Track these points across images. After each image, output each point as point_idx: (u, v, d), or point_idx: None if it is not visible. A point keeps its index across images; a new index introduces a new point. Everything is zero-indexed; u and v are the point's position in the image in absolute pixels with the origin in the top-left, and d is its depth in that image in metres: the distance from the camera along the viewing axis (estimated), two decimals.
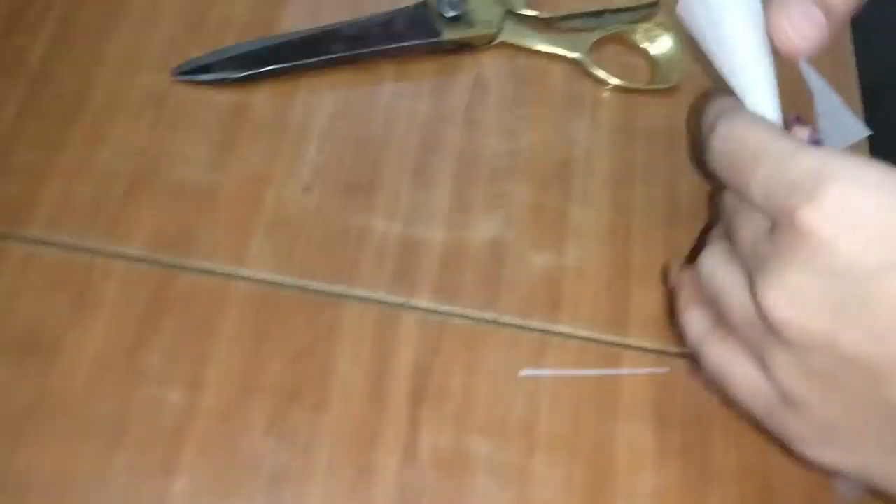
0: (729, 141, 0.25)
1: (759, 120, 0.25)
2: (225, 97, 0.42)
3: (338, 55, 0.42)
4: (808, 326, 0.22)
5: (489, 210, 0.40)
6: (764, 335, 0.24)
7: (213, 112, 0.41)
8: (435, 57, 0.44)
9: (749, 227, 0.24)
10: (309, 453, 0.34)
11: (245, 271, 0.37)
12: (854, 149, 0.42)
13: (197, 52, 0.42)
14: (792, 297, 0.22)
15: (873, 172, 0.21)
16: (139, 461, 0.33)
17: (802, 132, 0.26)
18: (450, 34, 0.43)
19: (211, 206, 0.39)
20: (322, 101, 0.42)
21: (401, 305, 0.37)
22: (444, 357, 0.36)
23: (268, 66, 0.42)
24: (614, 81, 0.43)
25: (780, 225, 0.23)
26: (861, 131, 0.42)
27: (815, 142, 0.26)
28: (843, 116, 0.43)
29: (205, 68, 0.42)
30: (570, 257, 0.39)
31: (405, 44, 0.43)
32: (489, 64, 0.44)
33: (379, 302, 0.37)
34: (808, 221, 0.21)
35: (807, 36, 0.25)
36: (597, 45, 0.45)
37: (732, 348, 0.26)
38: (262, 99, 0.42)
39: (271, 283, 0.37)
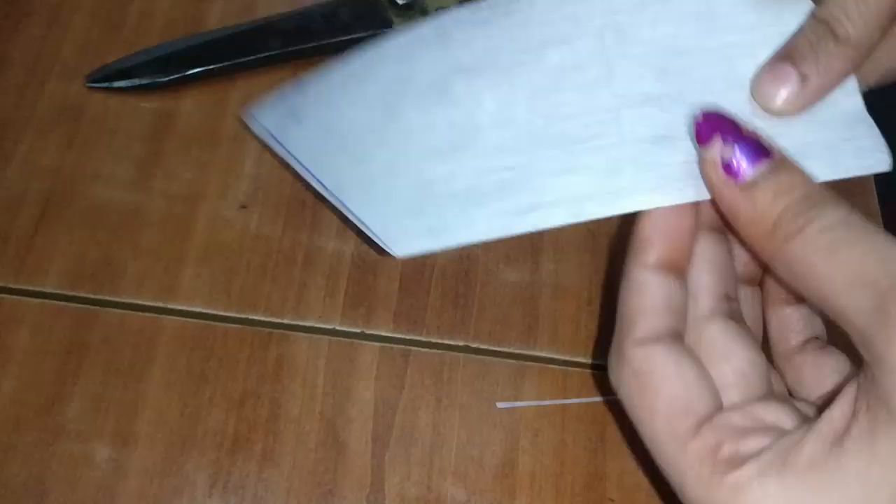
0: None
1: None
2: (148, 105, 0.37)
3: (275, 52, 0.37)
4: None
5: None
6: None
7: (134, 123, 0.36)
8: None
9: None
10: None
11: (177, 305, 0.33)
12: None
13: (114, 54, 0.37)
14: None
15: None
16: None
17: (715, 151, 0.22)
18: (402, 24, 0.39)
19: (135, 231, 0.34)
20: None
21: (357, 335, 0.33)
22: (409, 392, 0.32)
23: (196, 67, 0.37)
24: None
25: None
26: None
27: (732, 167, 0.21)
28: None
29: (124, 73, 0.37)
30: (546, 272, 0.34)
31: (352, 36, 0.38)
32: None
33: (332, 332, 0.33)
34: None
35: (788, 96, 0.23)
36: None
37: None
38: (190, 105, 0.37)
39: (207, 317, 0.33)
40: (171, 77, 0.37)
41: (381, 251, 0.26)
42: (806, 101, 0.23)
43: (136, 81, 0.37)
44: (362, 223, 0.26)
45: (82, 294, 0.33)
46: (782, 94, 0.23)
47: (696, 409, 0.21)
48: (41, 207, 0.34)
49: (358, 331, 0.33)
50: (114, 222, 0.34)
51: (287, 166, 0.36)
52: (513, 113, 0.25)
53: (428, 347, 0.33)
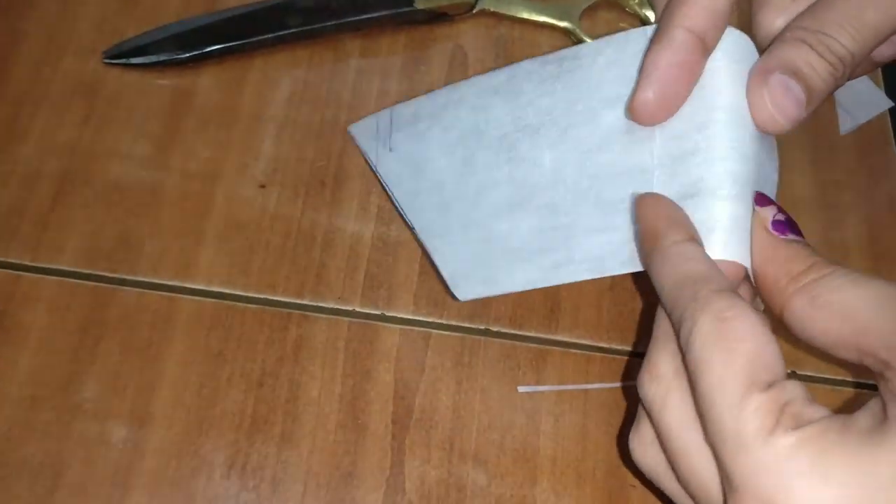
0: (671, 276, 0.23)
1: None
2: (165, 82, 0.36)
3: (294, 30, 0.37)
4: None
5: None
6: None
7: (151, 100, 0.36)
8: (406, 29, 0.39)
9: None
10: (278, 493, 0.29)
11: (195, 284, 0.32)
12: (877, 121, 0.38)
13: (131, 31, 0.37)
14: None
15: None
16: None
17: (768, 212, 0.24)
18: (423, 2, 0.38)
19: (153, 209, 0.34)
20: (277, 83, 0.37)
21: (377, 317, 0.32)
22: (429, 375, 0.31)
23: (214, 44, 0.36)
24: None
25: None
26: (883, 102, 0.38)
27: (781, 224, 0.24)
28: (862, 87, 0.38)
29: (141, 50, 0.36)
30: None
31: (372, 15, 0.38)
32: (468, 35, 0.39)
33: (352, 314, 0.32)
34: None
35: (788, 114, 0.24)
36: (588, 12, 0.40)
37: None
38: (207, 83, 0.37)
39: (226, 297, 0.32)
40: (189, 54, 0.36)
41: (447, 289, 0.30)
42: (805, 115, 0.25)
43: (154, 58, 0.36)
44: (437, 265, 0.30)
45: (99, 272, 0.32)
46: (790, 113, 0.24)
47: (774, 366, 0.21)
48: (57, 184, 0.34)
49: (378, 312, 0.32)
50: (131, 200, 0.34)
51: (305, 145, 0.36)
52: (565, 173, 0.27)
53: (448, 330, 0.32)
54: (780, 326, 0.23)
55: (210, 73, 0.37)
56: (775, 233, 0.24)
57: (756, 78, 0.25)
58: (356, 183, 0.35)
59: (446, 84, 0.37)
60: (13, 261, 0.32)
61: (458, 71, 0.38)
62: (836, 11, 0.24)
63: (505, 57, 0.38)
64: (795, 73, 0.24)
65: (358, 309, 0.32)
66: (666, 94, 0.24)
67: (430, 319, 0.32)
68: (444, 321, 0.32)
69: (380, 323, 0.32)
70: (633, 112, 0.25)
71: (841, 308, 0.21)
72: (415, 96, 0.37)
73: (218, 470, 0.29)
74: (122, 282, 0.32)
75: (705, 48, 0.25)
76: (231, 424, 0.30)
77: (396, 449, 0.30)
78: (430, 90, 0.37)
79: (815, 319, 0.22)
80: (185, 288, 0.32)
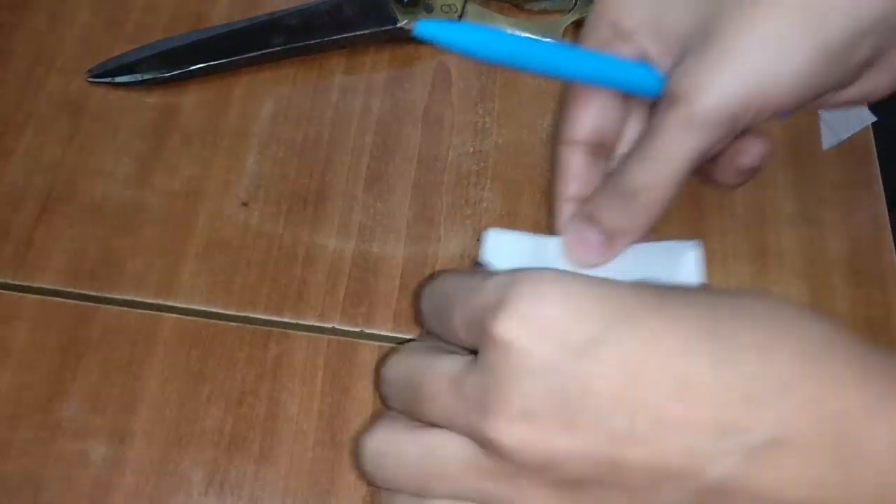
0: (431, 296, 0.25)
1: (456, 271, 0.27)
2: (150, 101, 0.37)
3: (279, 48, 0.37)
4: (549, 442, 0.20)
5: (455, 221, 0.35)
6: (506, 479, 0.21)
7: (136, 118, 0.36)
8: (390, 46, 0.39)
9: (443, 374, 0.22)
10: None
11: (176, 302, 0.33)
12: (860, 136, 0.38)
13: (117, 49, 0.37)
14: (522, 412, 0.20)
15: (548, 273, 0.21)
16: None
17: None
18: (407, 20, 0.38)
19: (135, 227, 0.34)
20: (262, 101, 0.37)
21: (357, 334, 0.33)
22: None
23: (198, 63, 0.37)
24: None
25: (481, 349, 0.21)
26: (866, 117, 0.38)
27: None
28: None
29: (126, 68, 0.37)
30: None
31: (356, 32, 0.38)
32: (452, 53, 0.39)
33: (331, 331, 0.32)
34: (502, 331, 0.20)
35: (591, 257, 0.28)
36: (571, 29, 0.40)
37: None
38: (192, 101, 0.37)
39: (207, 315, 0.32)
40: (174, 72, 0.36)
41: None
42: (615, 252, 0.28)
43: (139, 76, 0.36)
44: None
45: (81, 290, 0.33)
46: (591, 258, 0.28)
47: None
48: (41, 203, 0.34)
49: (358, 330, 0.33)
50: (114, 218, 0.34)
51: (288, 162, 0.36)
52: None
53: None
54: None
55: (195, 91, 0.37)
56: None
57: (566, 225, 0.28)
58: (338, 201, 0.35)
59: (429, 100, 0.38)
60: None
61: (442, 88, 0.38)
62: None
63: (488, 74, 0.39)
64: (591, 219, 0.27)
65: (338, 326, 0.33)
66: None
67: (409, 336, 0.33)
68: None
69: (359, 340, 0.32)
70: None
71: None
72: (398, 115, 0.37)
73: (196, 487, 0.29)
74: (104, 300, 0.32)
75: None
76: (210, 442, 0.30)
77: None
78: (412, 109, 0.37)
79: None
80: (167, 306, 0.32)
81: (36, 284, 0.32)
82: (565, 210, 0.29)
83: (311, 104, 0.37)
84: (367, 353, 0.32)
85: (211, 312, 0.32)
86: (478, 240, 0.35)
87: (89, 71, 0.37)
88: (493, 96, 0.38)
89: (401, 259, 0.34)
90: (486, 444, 0.21)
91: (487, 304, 0.21)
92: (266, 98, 0.37)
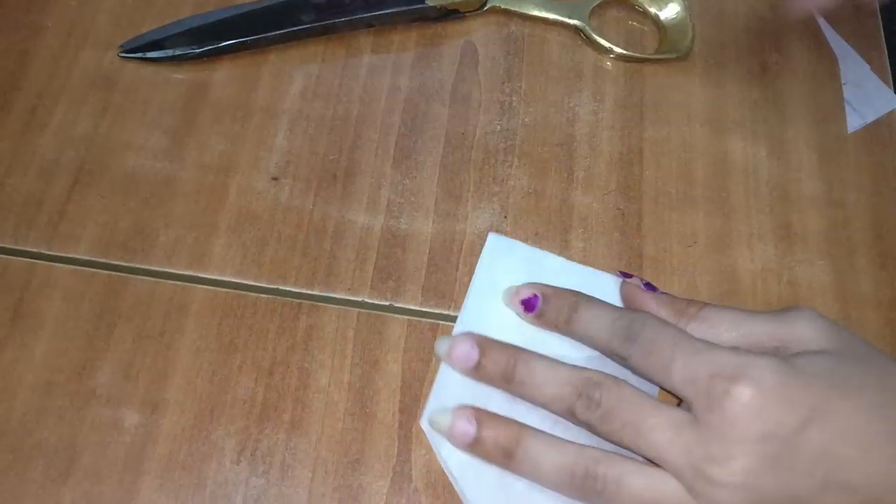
0: (640, 334, 0.29)
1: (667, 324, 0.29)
2: (181, 76, 0.37)
3: (308, 26, 0.38)
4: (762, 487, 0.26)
5: (482, 198, 0.35)
6: None
7: (167, 94, 0.37)
8: (418, 25, 0.39)
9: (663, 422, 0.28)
10: (286, 479, 0.30)
11: (208, 274, 0.33)
12: (885, 119, 0.38)
13: (148, 25, 0.38)
14: (742, 471, 0.26)
15: (763, 358, 0.27)
16: (92, 493, 0.29)
17: (636, 280, 0.32)
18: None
19: (167, 200, 0.34)
20: (291, 78, 0.37)
21: (386, 308, 0.33)
22: (436, 365, 0.32)
23: (229, 39, 0.37)
24: (619, 50, 0.39)
25: (704, 407, 0.27)
26: (892, 100, 0.38)
27: (649, 285, 0.32)
28: (871, 84, 0.39)
29: (157, 44, 0.37)
30: (576, 249, 0.34)
31: (384, 11, 0.38)
32: (479, 32, 0.39)
33: (361, 305, 0.33)
34: (737, 397, 0.26)
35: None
36: (598, 10, 0.40)
37: None
38: (222, 77, 0.37)
39: (238, 287, 0.33)
40: (204, 48, 0.37)
41: None
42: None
43: (169, 52, 0.37)
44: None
45: (114, 261, 0.33)
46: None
47: None
48: (74, 175, 0.34)
49: (387, 303, 0.33)
50: (146, 191, 0.34)
51: (317, 139, 0.36)
52: None
53: (456, 321, 0.33)
54: None
55: (225, 67, 0.37)
56: (649, 290, 0.32)
57: None
58: (367, 177, 0.35)
59: (456, 79, 0.38)
60: (30, 249, 0.33)
61: (469, 67, 0.38)
62: None
63: (515, 54, 0.39)
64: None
65: (367, 300, 0.33)
66: None
67: (437, 311, 0.33)
68: (451, 313, 0.33)
69: (388, 314, 0.33)
70: None
71: (728, 324, 0.29)
72: (426, 93, 0.37)
73: (228, 456, 0.30)
74: (137, 271, 0.33)
75: None
76: (242, 411, 0.31)
77: (403, 437, 0.30)
78: (440, 87, 0.38)
79: (716, 334, 0.29)
80: (198, 278, 0.33)
81: (69, 255, 0.33)
82: None
83: (339, 82, 0.38)
84: (396, 327, 0.32)
85: (242, 284, 0.33)
86: (505, 217, 0.35)
87: (121, 46, 0.37)
88: (521, 76, 0.38)
89: (429, 235, 0.34)
90: (700, 489, 0.26)
91: (727, 370, 0.27)
92: (295, 75, 0.38)
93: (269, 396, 0.31)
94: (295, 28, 0.37)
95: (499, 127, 0.37)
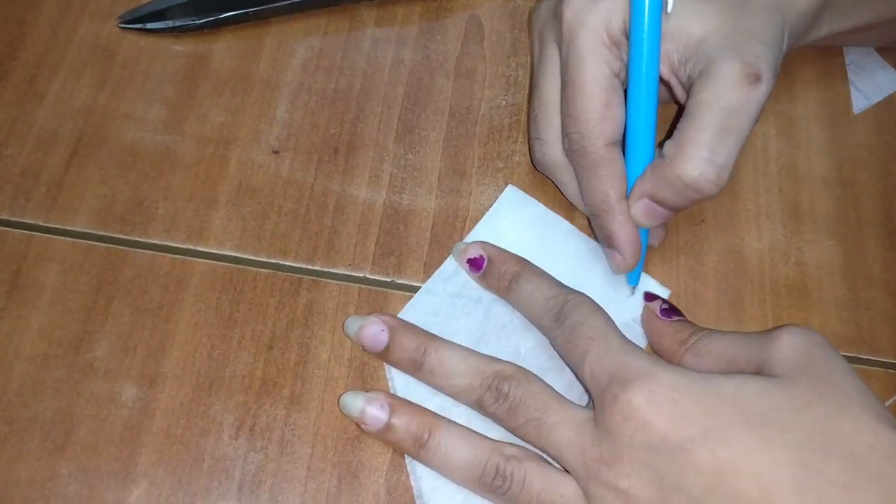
0: (571, 313, 0.29)
1: (602, 315, 0.29)
2: (181, 48, 0.36)
3: None
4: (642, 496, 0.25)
5: (486, 174, 0.35)
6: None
7: (166, 65, 0.36)
8: None
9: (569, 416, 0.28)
10: (285, 455, 0.29)
11: (207, 248, 0.33)
12: (893, 100, 0.38)
13: None
14: (626, 476, 0.25)
15: (670, 370, 0.26)
16: (89, 466, 0.29)
17: (655, 305, 0.31)
18: None
19: (166, 173, 0.34)
20: (292, 50, 0.37)
21: (388, 284, 0.32)
22: None
23: (230, 10, 0.36)
24: None
25: (603, 405, 0.26)
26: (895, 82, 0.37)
27: (666, 311, 0.31)
28: (875, 65, 0.38)
29: (157, 15, 0.36)
30: (581, 227, 0.34)
31: None
32: (484, 6, 0.39)
33: (362, 280, 0.32)
34: (630, 398, 0.25)
35: (657, 221, 0.31)
36: None
37: None
38: (223, 49, 0.37)
39: (238, 261, 0.32)
40: (205, 20, 0.36)
41: None
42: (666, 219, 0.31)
43: (170, 23, 0.36)
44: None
45: (112, 234, 0.33)
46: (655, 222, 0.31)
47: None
48: (72, 147, 0.34)
49: (388, 280, 0.32)
50: (145, 163, 0.34)
51: (319, 112, 0.36)
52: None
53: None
54: None
55: (225, 39, 0.37)
56: (663, 318, 0.31)
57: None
58: (369, 151, 0.35)
59: (461, 52, 0.37)
60: (27, 221, 0.32)
61: (474, 41, 0.38)
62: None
63: (521, 28, 0.38)
64: (654, 199, 0.30)
65: (368, 276, 0.33)
66: (636, 251, 0.31)
67: None
68: None
69: (390, 290, 0.32)
70: (619, 271, 0.31)
71: (715, 353, 0.28)
72: (430, 67, 0.37)
73: (227, 431, 0.30)
74: (135, 244, 0.32)
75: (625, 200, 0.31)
76: (240, 386, 0.30)
77: None
78: (444, 61, 0.37)
79: (700, 364, 0.29)
80: (198, 251, 0.32)
81: (67, 227, 0.32)
82: (623, 210, 0.31)
83: (342, 54, 0.37)
84: (398, 303, 0.32)
85: (242, 259, 0.32)
86: None
87: (120, 17, 0.37)
88: (526, 50, 0.38)
89: (432, 211, 0.34)
90: (592, 491, 0.26)
91: (625, 374, 0.26)
92: (297, 48, 0.37)
93: (268, 372, 0.31)
94: (297, 0, 0.37)
95: (504, 102, 0.36)
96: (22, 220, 0.32)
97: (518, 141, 0.35)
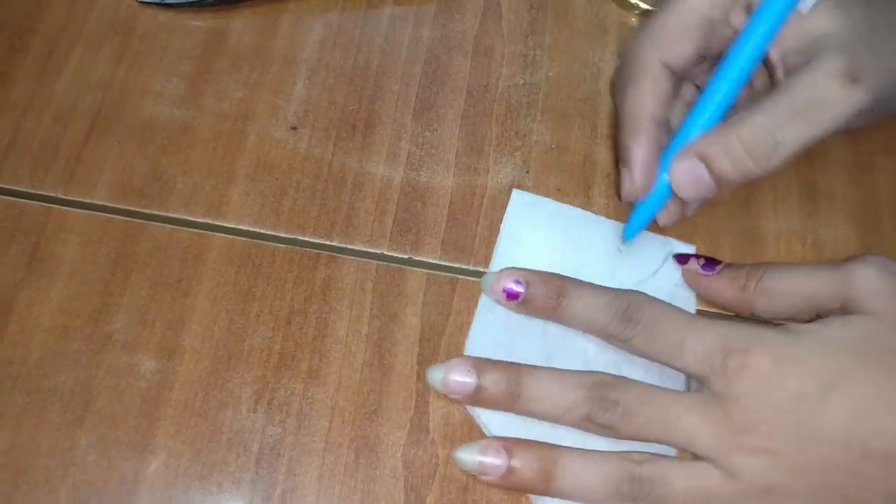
0: (646, 321, 0.29)
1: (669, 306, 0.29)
2: (199, 23, 0.36)
3: None
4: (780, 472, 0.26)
5: (504, 152, 0.35)
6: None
7: (185, 40, 0.36)
8: None
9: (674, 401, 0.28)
10: (303, 428, 0.29)
11: (225, 222, 0.33)
12: None
13: None
14: (764, 439, 0.26)
15: (774, 331, 0.27)
16: (108, 437, 0.29)
17: (693, 264, 0.31)
18: None
19: (185, 147, 0.34)
20: (310, 27, 0.37)
21: (405, 261, 0.32)
22: (455, 319, 0.31)
23: None
24: (644, 6, 0.38)
25: (722, 381, 0.27)
26: None
27: (707, 266, 0.31)
28: None
29: None
30: (599, 206, 0.34)
31: None
32: None
33: (380, 257, 0.32)
34: (756, 365, 0.26)
35: (696, 191, 0.30)
36: None
37: None
38: (241, 25, 0.36)
39: (256, 236, 0.32)
40: None
41: None
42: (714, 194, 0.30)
43: None
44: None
45: (131, 207, 0.33)
46: (700, 193, 0.30)
47: None
48: (91, 120, 0.34)
49: (406, 256, 0.33)
50: (163, 138, 0.34)
51: (337, 89, 0.36)
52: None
53: (475, 276, 0.32)
54: None
55: (244, 15, 0.37)
56: (708, 273, 0.30)
57: (679, 155, 0.30)
58: (387, 129, 0.35)
59: (479, 31, 0.37)
60: (46, 193, 0.33)
61: (492, 19, 0.38)
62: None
63: (539, 7, 0.38)
64: (705, 160, 0.29)
65: (386, 252, 0.33)
66: (649, 176, 0.30)
67: (457, 265, 0.33)
68: (470, 267, 0.33)
69: (407, 267, 0.32)
70: (626, 195, 0.30)
71: (788, 292, 0.29)
72: (448, 45, 0.37)
73: (245, 404, 0.30)
74: (153, 217, 0.32)
75: (661, 128, 0.30)
76: (259, 360, 0.30)
77: (421, 390, 0.30)
78: (463, 39, 0.37)
79: (776, 306, 0.29)
80: (216, 226, 0.32)
81: (86, 200, 0.33)
82: (650, 131, 0.29)
83: (360, 31, 0.37)
84: (415, 280, 0.32)
85: (260, 234, 0.32)
86: (527, 171, 0.34)
87: None
88: (544, 29, 0.38)
89: (449, 189, 0.34)
90: (736, 465, 0.26)
91: (739, 345, 0.26)
92: (315, 24, 0.37)
93: (286, 346, 0.31)
94: None
95: (521, 81, 0.36)
96: (41, 193, 0.32)
97: (535, 120, 0.35)
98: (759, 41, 0.29)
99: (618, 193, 0.33)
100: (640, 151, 0.29)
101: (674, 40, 0.29)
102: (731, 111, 0.29)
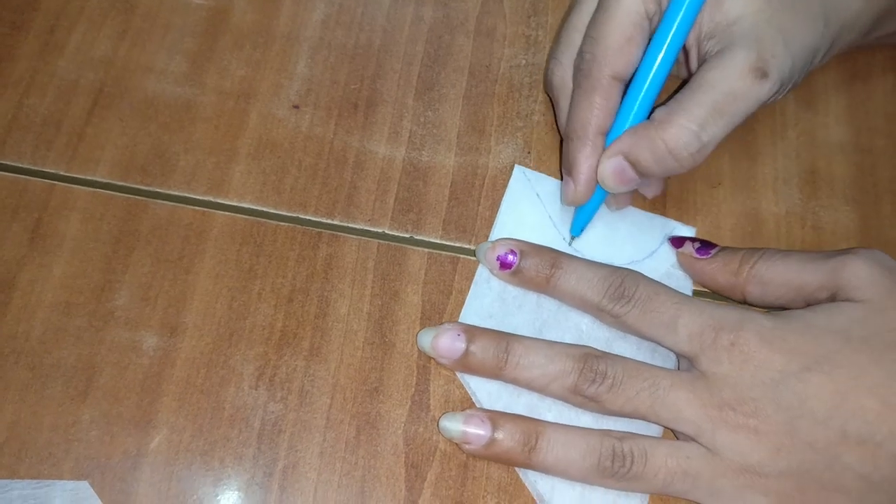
0: (640, 298, 0.29)
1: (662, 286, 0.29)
2: (202, 1, 0.36)
3: None
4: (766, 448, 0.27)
5: (506, 133, 0.35)
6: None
7: (187, 18, 0.36)
8: None
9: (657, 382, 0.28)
10: (305, 405, 0.30)
11: (227, 200, 0.33)
12: None
13: None
14: (748, 416, 0.27)
15: (762, 314, 0.28)
16: (111, 413, 0.29)
17: (688, 247, 0.32)
18: None
19: (187, 125, 0.34)
20: (312, 5, 0.37)
21: (406, 240, 0.33)
22: (456, 298, 0.32)
23: None
24: None
25: (711, 359, 0.27)
26: None
27: (701, 249, 0.31)
28: None
29: None
30: None
31: None
32: None
33: (381, 236, 0.33)
34: (744, 344, 0.27)
35: (621, 186, 0.30)
36: None
37: None
38: (244, 3, 0.36)
39: (258, 214, 0.33)
40: None
41: None
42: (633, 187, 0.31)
43: None
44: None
45: (133, 185, 0.33)
46: (624, 186, 0.31)
47: None
48: (93, 97, 0.34)
49: (407, 236, 0.33)
50: (166, 115, 0.34)
51: (339, 67, 0.36)
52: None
53: (476, 256, 0.32)
54: None
55: None
56: (702, 256, 0.31)
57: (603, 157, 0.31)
58: (388, 108, 0.35)
59: (481, 11, 0.37)
60: (49, 170, 0.33)
61: (494, 1, 0.37)
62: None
63: None
64: (628, 157, 0.30)
65: (387, 231, 0.33)
66: (591, 187, 0.31)
67: (458, 244, 0.33)
68: (471, 247, 0.33)
69: (408, 246, 0.32)
70: (567, 202, 0.31)
71: (779, 281, 0.29)
72: (450, 24, 0.37)
73: (247, 381, 0.30)
74: (156, 195, 0.33)
75: (605, 135, 0.30)
76: (260, 337, 0.31)
77: (422, 367, 0.30)
78: (465, 19, 0.37)
79: (767, 293, 0.30)
80: (218, 203, 0.33)
81: (88, 177, 0.33)
82: (596, 144, 0.30)
83: (362, 10, 0.37)
84: (417, 259, 0.32)
85: (262, 212, 0.33)
86: (528, 152, 0.34)
87: None
88: (546, 10, 0.37)
89: (451, 168, 0.34)
90: (720, 441, 0.27)
91: (730, 324, 0.27)
92: (317, 3, 0.37)
93: (288, 323, 0.31)
94: None
95: (524, 61, 0.36)
96: (43, 170, 0.33)
97: (538, 100, 0.35)
98: (677, 37, 0.29)
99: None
100: (585, 164, 0.30)
101: (620, 52, 0.29)
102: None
